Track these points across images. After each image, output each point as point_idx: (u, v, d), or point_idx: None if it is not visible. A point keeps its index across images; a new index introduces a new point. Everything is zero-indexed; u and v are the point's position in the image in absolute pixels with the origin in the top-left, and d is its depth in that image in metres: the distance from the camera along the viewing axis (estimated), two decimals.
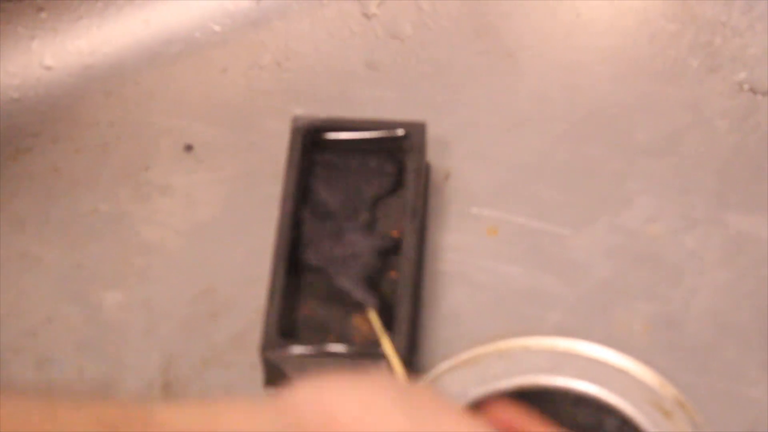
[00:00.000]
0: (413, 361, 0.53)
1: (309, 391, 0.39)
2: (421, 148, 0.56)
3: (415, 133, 0.57)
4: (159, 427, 0.35)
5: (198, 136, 0.63)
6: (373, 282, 0.53)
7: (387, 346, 0.50)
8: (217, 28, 0.67)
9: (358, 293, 0.52)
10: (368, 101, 0.64)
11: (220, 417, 0.37)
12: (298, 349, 0.50)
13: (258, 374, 0.52)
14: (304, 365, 0.50)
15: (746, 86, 0.62)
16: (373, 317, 0.51)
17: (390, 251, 0.54)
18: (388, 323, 0.51)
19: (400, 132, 0.57)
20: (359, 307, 0.52)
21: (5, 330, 0.56)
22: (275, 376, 0.51)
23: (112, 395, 0.54)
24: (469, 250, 0.58)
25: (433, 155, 0.59)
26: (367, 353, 0.50)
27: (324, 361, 0.50)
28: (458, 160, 0.61)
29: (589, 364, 0.52)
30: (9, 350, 0.56)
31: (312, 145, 0.57)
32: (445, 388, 0.52)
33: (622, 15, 0.66)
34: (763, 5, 0.64)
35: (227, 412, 0.37)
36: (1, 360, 0.55)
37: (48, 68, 0.66)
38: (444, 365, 0.53)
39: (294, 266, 0.53)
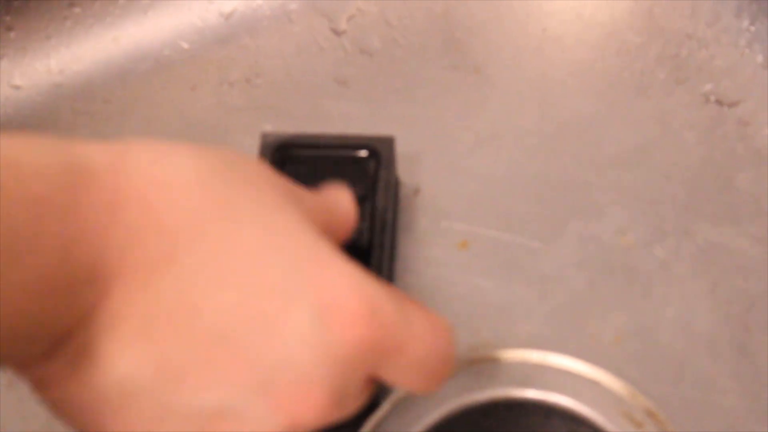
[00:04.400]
0: None
1: (142, 158, 0.35)
2: (390, 162, 0.56)
3: (384, 147, 0.57)
4: None
5: None
6: None
7: None
8: (186, 45, 0.67)
9: None
10: (338, 116, 0.64)
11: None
12: None
13: None
14: None
15: (712, 98, 0.63)
16: None
17: (360, 250, 0.54)
18: None
19: (369, 148, 0.57)
20: None
21: None
22: None
23: None
24: (441, 264, 0.58)
25: (402, 170, 0.60)
26: None
27: None
28: (428, 175, 0.61)
29: (561, 375, 0.52)
30: None
31: (282, 161, 0.57)
32: (418, 401, 0.52)
33: (589, 29, 0.66)
34: (728, 17, 0.65)
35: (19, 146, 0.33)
36: None
37: (17, 87, 0.66)
38: None
39: None
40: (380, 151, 0.56)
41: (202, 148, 0.37)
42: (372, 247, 0.54)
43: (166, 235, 0.34)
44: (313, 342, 0.35)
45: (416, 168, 0.61)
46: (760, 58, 0.64)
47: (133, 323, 0.34)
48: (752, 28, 0.64)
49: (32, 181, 0.31)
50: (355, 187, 0.56)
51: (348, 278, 0.36)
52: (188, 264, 0.34)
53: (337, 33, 0.67)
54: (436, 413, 0.51)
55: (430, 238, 0.59)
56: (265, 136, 0.57)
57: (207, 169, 0.36)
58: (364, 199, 0.56)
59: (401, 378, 0.39)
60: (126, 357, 0.34)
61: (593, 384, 0.52)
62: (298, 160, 0.57)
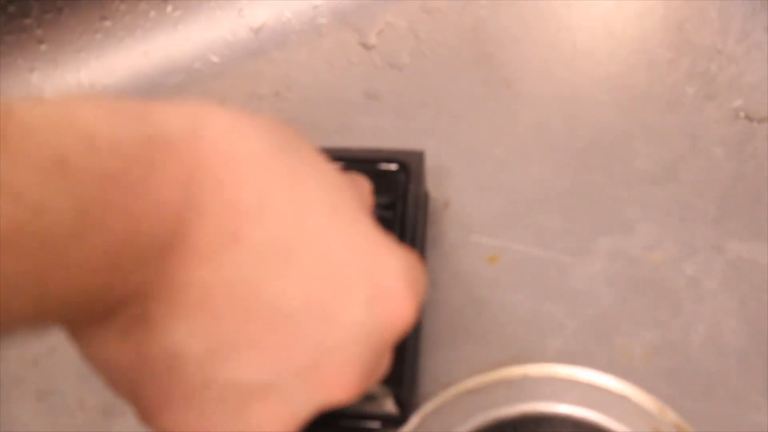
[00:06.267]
0: (415, 390, 0.53)
1: (215, 129, 0.35)
2: (419, 176, 0.57)
3: (414, 161, 0.57)
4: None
5: None
6: None
7: None
8: (216, 59, 0.68)
9: None
10: (367, 130, 0.64)
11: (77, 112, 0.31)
12: None
13: None
14: None
15: (742, 114, 0.63)
16: None
17: None
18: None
19: (399, 162, 0.57)
20: None
21: (7, 360, 0.56)
22: None
23: (113, 426, 0.54)
24: (470, 278, 0.58)
25: (432, 184, 0.60)
26: None
27: None
28: (457, 189, 0.61)
29: (590, 390, 0.52)
30: (11, 381, 0.56)
31: None
32: (447, 416, 0.52)
33: (620, 44, 0.66)
34: (758, 33, 0.64)
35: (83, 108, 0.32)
36: (3, 390, 0.55)
37: None
38: (444, 394, 0.53)
39: None
40: (410, 165, 0.57)
41: (269, 122, 0.37)
42: None
43: (234, 211, 0.34)
44: (364, 329, 0.37)
45: (445, 182, 0.61)
46: None
47: (191, 295, 0.34)
48: None
49: (107, 157, 0.31)
50: (384, 200, 0.56)
51: (397, 263, 0.38)
52: (254, 242, 0.35)
53: (367, 47, 0.67)
54: (466, 427, 0.51)
55: (459, 252, 0.59)
56: None
57: (276, 144, 0.36)
58: (393, 213, 0.56)
59: None
60: (179, 326, 0.34)
61: (622, 399, 0.52)
62: None
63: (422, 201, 0.57)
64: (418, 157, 0.57)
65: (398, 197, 0.56)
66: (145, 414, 0.36)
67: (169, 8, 0.68)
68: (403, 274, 0.38)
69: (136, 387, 0.36)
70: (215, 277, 0.34)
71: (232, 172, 0.35)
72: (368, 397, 0.51)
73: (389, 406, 0.51)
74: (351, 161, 0.57)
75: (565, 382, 0.53)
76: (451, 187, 0.61)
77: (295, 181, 0.36)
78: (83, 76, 0.67)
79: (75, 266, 0.30)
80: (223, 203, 0.34)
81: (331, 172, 0.39)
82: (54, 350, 0.56)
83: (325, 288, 0.36)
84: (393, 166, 0.57)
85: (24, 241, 0.28)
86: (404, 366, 0.50)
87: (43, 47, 0.67)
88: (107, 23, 0.67)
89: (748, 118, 0.62)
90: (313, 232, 0.36)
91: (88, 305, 0.32)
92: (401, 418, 0.52)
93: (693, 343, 0.55)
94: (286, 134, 0.38)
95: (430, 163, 0.58)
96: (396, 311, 0.37)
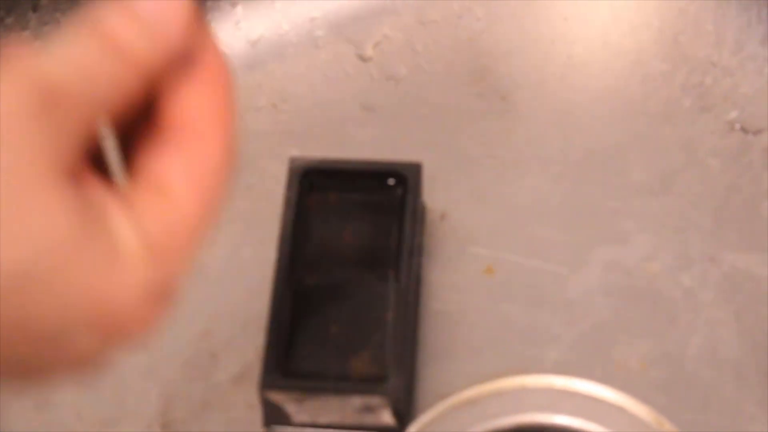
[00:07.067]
0: (411, 402, 0.54)
1: None
2: (417, 188, 0.57)
3: (411, 173, 0.57)
4: None
5: None
6: (369, 323, 0.53)
7: None
8: None
9: None
10: (364, 142, 0.64)
11: None
12: (298, 388, 0.50)
13: (257, 415, 0.52)
14: (303, 402, 0.50)
15: (737, 126, 0.63)
16: None
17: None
18: (386, 364, 0.51)
19: (397, 173, 0.57)
20: (358, 347, 0.52)
21: None
22: (274, 414, 0.51)
23: None
24: (466, 290, 0.58)
25: (428, 195, 0.60)
26: (366, 390, 0.51)
27: (324, 397, 0.51)
28: (454, 201, 0.61)
29: (587, 401, 0.52)
30: (9, 392, 0.56)
31: (309, 186, 0.57)
32: (444, 427, 0.52)
33: (615, 56, 0.66)
34: (753, 45, 0.65)
35: None
36: (1, 402, 0.55)
37: None
38: (441, 405, 0.53)
39: (293, 306, 0.53)
40: (407, 177, 0.57)
41: None
42: (398, 272, 0.54)
43: None
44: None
45: (442, 194, 0.61)
46: None
47: None
48: None
49: None
50: (381, 213, 0.56)
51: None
52: None
53: (363, 59, 0.67)
54: None
55: (456, 264, 0.59)
56: (293, 161, 0.57)
57: None
58: (390, 224, 0.56)
59: None
60: None
61: (619, 410, 0.52)
62: (325, 185, 0.57)
63: (419, 213, 0.57)
64: (415, 169, 0.57)
65: (396, 210, 0.56)
66: None
67: None
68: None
69: None
70: None
71: None
72: (366, 408, 0.51)
73: (386, 417, 0.51)
74: (349, 173, 0.57)
75: (561, 393, 0.53)
76: (447, 199, 0.61)
77: None
78: None
79: None
80: None
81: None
82: None
83: None
84: (390, 179, 0.57)
85: None
86: (401, 377, 0.51)
87: None
88: None
89: (744, 130, 0.63)
90: None
91: None
92: (398, 430, 0.52)
93: (689, 355, 0.55)
94: None
95: (426, 174, 0.58)
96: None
